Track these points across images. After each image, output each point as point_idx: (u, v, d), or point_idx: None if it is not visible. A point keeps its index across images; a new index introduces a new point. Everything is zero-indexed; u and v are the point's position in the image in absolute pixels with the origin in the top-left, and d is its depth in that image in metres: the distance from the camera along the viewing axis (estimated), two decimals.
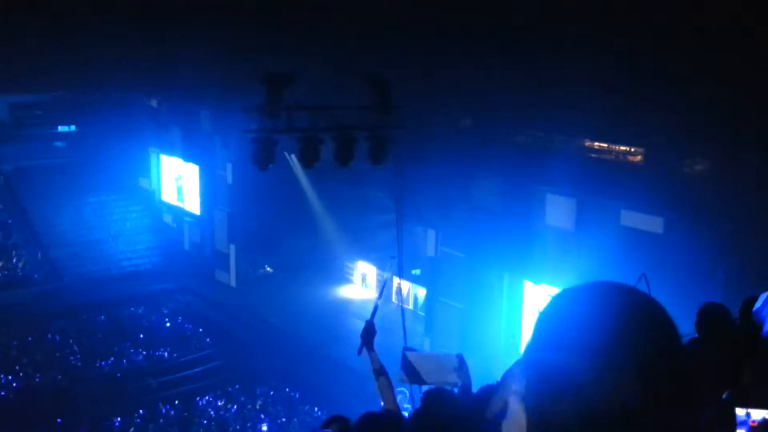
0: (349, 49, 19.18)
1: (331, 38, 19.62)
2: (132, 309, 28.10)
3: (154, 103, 32.80)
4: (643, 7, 14.79)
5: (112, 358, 24.51)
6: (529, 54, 16.67)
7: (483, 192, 21.89)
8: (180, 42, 24.83)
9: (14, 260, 29.74)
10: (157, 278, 30.54)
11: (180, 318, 28.01)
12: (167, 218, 34.09)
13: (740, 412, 3.21)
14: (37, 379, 23.11)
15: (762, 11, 12.71)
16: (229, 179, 30.10)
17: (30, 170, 32.73)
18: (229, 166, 29.87)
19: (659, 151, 18.26)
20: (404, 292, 24.35)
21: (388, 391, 5.47)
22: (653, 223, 17.81)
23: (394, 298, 20.25)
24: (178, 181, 33.09)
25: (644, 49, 14.82)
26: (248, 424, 21.60)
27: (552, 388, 1.09)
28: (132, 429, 20.97)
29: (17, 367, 23.36)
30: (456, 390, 5.35)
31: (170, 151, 32.69)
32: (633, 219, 18.21)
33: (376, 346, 6.05)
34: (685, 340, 4.39)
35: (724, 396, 3.95)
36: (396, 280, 17.00)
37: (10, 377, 22.85)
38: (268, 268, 31.29)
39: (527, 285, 21.27)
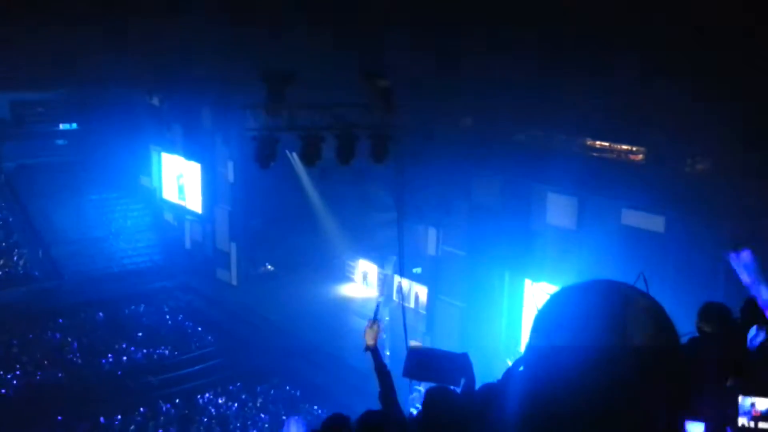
0: (350, 49, 19.17)
1: (331, 38, 19.60)
2: (133, 307, 28.08)
3: (155, 101, 32.69)
4: (643, 7, 14.77)
5: (112, 356, 24.49)
6: (529, 54, 16.65)
7: (484, 191, 21.88)
8: (181, 39, 24.78)
9: (15, 258, 29.72)
10: (158, 276, 30.57)
11: (181, 316, 28.01)
12: (168, 216, 34.08)
13: (745, 402, 3.22)
14: (37, 377, 23.10)
15: (762, 11, 12.71)
16: (231, 177, 30.05)
17: (31, 168, 32.71)
18: (230, 164, 29.84)
19: (660, 150, 18.24)
20: (405, 290, 24.36)
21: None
22: (654, 222, 17.79)
23: (395, 296, 20.28)
24: (180, 179, 33.06)
25: (644, 49, 14.81)
26: (249, 422, 21.62)
27: (549, 387, 1.11)
28: (133, 427, 20.96)
29: (18, 365, 23.34)
30: (459, 389, 5.36)
31: (171, 149, 32.65)
32: (634, 218, 18.18)
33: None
34: (685, 339, 4.41)
35: (728, 384, 3.97)
36: (397, 278, 17.04)
37: (10, 375, 22.81)
38: (270, 267, 31.27)
39: (528, 284, 21.26)
